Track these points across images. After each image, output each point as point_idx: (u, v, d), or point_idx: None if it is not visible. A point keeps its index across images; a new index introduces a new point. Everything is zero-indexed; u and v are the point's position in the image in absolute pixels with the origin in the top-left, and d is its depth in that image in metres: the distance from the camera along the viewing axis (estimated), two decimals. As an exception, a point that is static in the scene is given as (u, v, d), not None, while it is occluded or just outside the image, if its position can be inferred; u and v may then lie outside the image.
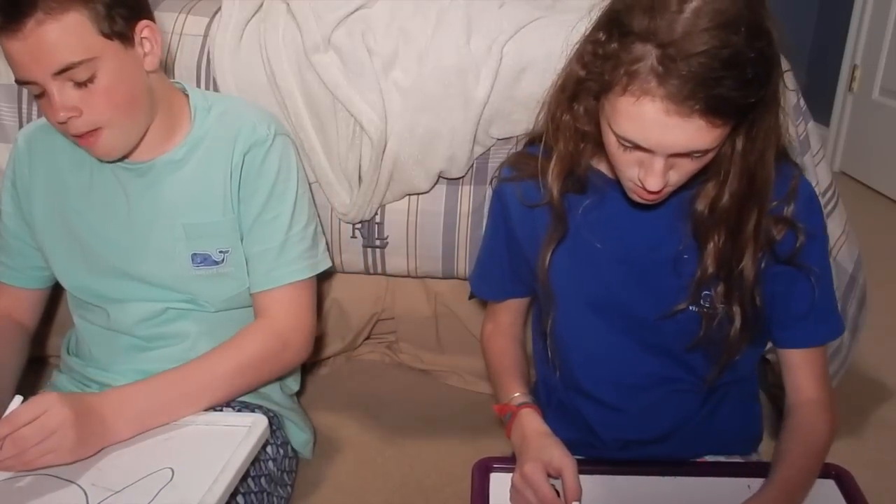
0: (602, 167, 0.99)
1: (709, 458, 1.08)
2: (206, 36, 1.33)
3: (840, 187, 1.38)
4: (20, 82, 0.97)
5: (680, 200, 0.94)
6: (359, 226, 1.38)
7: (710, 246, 0.93)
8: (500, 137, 1.30)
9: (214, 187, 1.10)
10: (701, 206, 0.92)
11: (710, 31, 0.75)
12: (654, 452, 1.05)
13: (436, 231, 1.38)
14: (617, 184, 0.95)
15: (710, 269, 0.93)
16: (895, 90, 2.76)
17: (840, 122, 3.03)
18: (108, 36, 0.97)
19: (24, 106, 1.36)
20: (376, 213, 1.36)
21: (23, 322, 1.22)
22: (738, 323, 0.94)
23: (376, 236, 1.39)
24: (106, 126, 1.00)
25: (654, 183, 0.83)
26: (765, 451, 1.16)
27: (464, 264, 1.41)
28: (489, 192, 1.33)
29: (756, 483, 0.97)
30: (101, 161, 1.08)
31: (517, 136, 1.30)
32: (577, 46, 0.90)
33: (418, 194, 1.35)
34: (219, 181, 1.10)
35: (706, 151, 0.83)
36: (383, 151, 1.28)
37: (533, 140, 1.07)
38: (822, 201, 1.29)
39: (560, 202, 0.97)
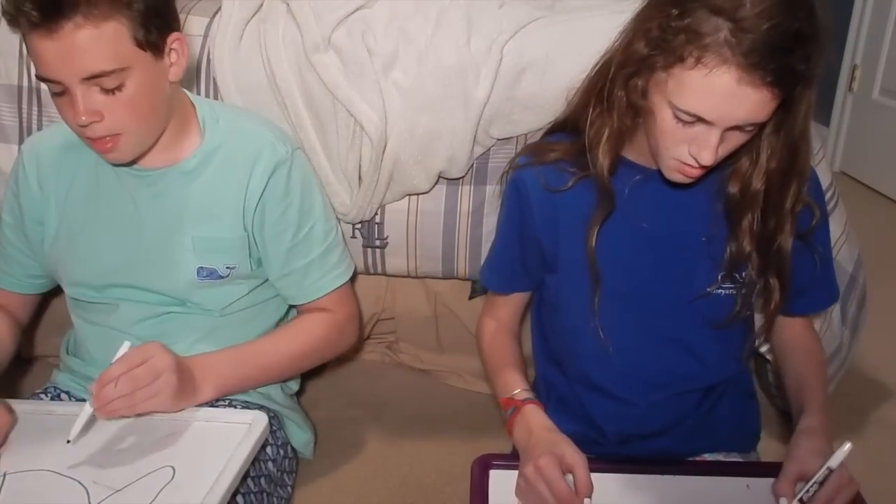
0: (630, 155, 1.00)
1: (708, 457, 1.08)
2: (206, 36, 1.33)
3: (840, 187, 1.38)
4: (41, 79, 0.95)
5: (711, 181, 0.96)
6: (359, 226, 1.38)
7: (745, 223, 0.96)
8: (500, 137, 1.30)
9: (227, 203, 1.10)
10: (734, 185, 0.96)
11: (779, 6, 0.80)
12: (654, 447, 1.06)
13: (436, 231, 1.38)
14: (645, 170, 0.97)
15: (748, 248, 0.97)
16: (895, 90, 2.76)
17: (840, 122, 3.02)
18: (141, 46, 0.96)
19: (24, 106, 1.36)
20: (376, 213, 1.36)
21: (16, 316, 1.23)
22: (777, 295, 0.99)
23: (376, 236, 1.39)
24: (124, 133, 0.99)
25: (708, 157, 0.86)
26: (763, 450, 1.16)
27: (464, 264, 1.41)
28: (489, 192, 1.33)
29: (755, 483, 0.98)
30: (114, 165, 1.07)
31: (517, 136, 1.30)
32: (634, 25, 0.91)
33: (418, 194, 1.35)
34: (232, 197, 1.10)
35: (757, 125, 0.86)
36: (383, 151, 1.28)
37: (554, 129, 1.09)
38: (822, 201, 1.30)
39: (609, 178, 0.98)
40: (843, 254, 1.35)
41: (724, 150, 0.88)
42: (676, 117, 0.86)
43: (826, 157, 1.44)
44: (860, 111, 2.94)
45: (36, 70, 0.95)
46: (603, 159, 0.97)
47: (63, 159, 1.12)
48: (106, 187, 1.11)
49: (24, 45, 1.31)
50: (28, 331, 1.30)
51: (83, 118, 0.94)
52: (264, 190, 1.10)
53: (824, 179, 1.31)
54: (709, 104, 0.83)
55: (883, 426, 1.50)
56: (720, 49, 0.80)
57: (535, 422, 1.00)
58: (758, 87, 0.81)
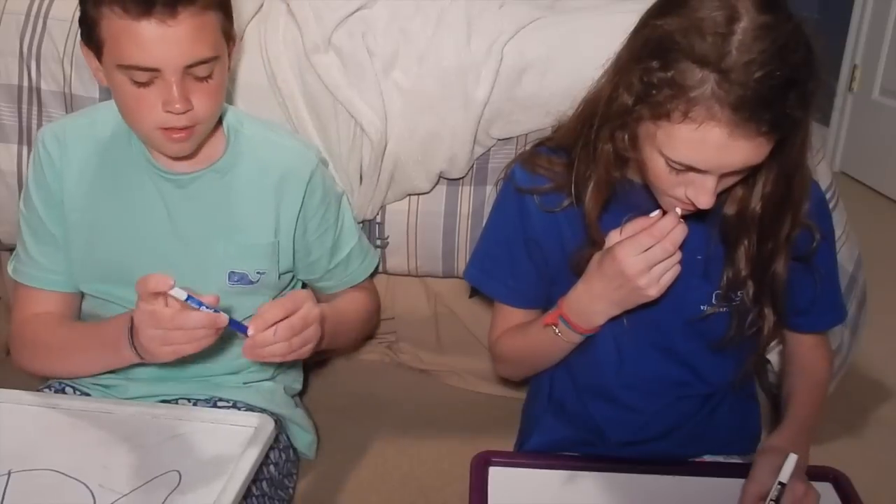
0: (630, 175, 0.97)
1: (708, 458, 1.08)
2: (206, 36, 1.33)
3: (840, 187, 1.38)
4: (128, 66, 0.94)
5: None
6: (360, 226, 1.38)
7: (741, 249, 0.94)
8: (500, 138, 1.30)
9: (260, 210, 1.10)
10: (730, 210, 0.94)
11: (769, 51, 0.75)
12: (654, 450, 1.06)
13: (436, 231, 1.38)
14: (646, 190, 0.94)
15: (743, 272, 0.95)
16: (895, 90, 2.76)
17: (840, 122, 3.03)
18: (225, 37, 1.00)
19: (24, 106, 1.36)
20: (377, 214, 1.37)
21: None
22: (770, 322, 0.97)
23: (377, 236, 1.39)
24: (199, 123, 1.01)
25: (706, 201, 0.83)
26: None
27: (464, 264, 1.40)
28: (489, 193, 1.33)
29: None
30: (162, 161, 1.07)
31: (517, 136, 1.30)
32: (614, 74, 0.87)
33: (419, 194, 1.35)
34: (266, 205, 1.10)
35: (754, 166, 0.83)
36: (384, 152, 1.28)
37: (545, 141, 1.04)
38: (822, 202, 1.29)
39: (598, 226, 0.95)
40: (843, 254, 1.34)
41: (722, 187, 0.86)
42: (669, 166, 0.83)
43: (826, 157, 1.44)
44: (860, 111, 2.95)
45: (122, 59, 0.93)
46: (590, 208, 0.94)
47: (84, 155, 1.09)
48: (138, 189, 1.09)
49: (24, 45, 1.32)
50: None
51: (177, 105, 0.95)
52: (303, 200, 1.13)
53: (824, 179, 1.32)
54: (701, 157, 0.80)
55: (883, 426, 1.50)
56: (707, 102, 0.75)
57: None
58: (751, 138, 0.77)
